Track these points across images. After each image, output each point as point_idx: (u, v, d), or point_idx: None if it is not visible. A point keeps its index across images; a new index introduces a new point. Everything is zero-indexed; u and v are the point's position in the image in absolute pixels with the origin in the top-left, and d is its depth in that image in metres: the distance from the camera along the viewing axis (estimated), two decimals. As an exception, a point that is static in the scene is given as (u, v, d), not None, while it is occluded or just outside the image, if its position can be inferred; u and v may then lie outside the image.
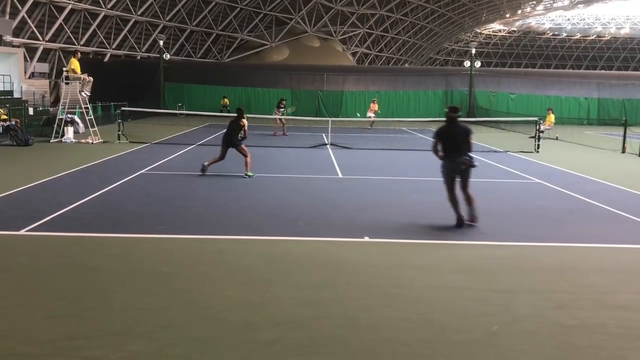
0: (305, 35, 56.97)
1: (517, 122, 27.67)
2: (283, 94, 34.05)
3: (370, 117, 27.52)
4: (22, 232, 7.11)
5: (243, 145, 12.26)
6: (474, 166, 7.89)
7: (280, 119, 23.02)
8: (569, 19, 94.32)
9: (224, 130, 12.62)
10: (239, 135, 12.23)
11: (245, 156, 12.11)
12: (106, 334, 4.25)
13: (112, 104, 31.04)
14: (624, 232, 7.93)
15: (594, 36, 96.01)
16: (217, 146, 18.07)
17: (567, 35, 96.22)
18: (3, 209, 8.41)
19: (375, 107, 27.87)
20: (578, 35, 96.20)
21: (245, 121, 12.28)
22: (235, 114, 12.55)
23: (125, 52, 45.37)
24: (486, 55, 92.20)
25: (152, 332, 4.31)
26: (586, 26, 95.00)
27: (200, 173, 12.01)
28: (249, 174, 12.02)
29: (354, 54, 64.97)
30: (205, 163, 12.17)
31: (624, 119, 21.72)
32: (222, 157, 12.26)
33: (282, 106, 23.30)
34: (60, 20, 36.58)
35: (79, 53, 19.98)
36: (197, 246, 6.74)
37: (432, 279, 5.75)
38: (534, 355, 4.10)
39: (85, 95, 18.80)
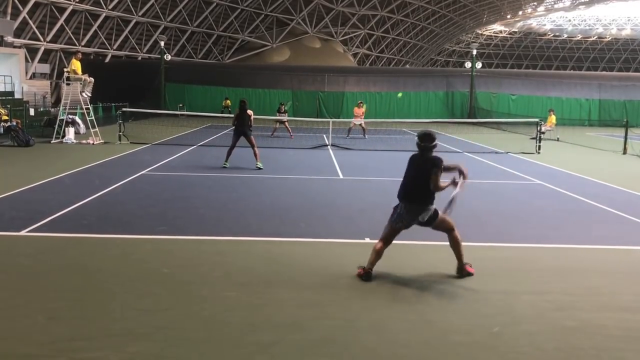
0: (306, 36, 57.00)
1: (518, 123, 27.66)
2: (284, 95, 34.07)
3: (358, 123, 23.04)
4: (23, 232, 7.11)
5: (252, 137, 13.47)
6: None
7: (282, 122, 22.68)
8: (570, 20, 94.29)
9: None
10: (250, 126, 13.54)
11: (253, 147, 13.34)
12: (106, 335, 4.25)
13: (113, 104, 31.06)
14: (625, 233, 7.91)
15: (595, 37, 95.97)
16: (217, 146, 18.16)
17: (568, 37, 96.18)
18: (3, 209, 8.41)
19: (361, 111, 23.27)
20: (579, 37, 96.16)
21: (250, 112, 13.60)
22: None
23: (126, 53, 45.42)
24: (487, 56, 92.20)
25: (152, 334, 4.30)
26: (587, 27, 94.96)
27: (222, 165, 13.41)
28: (259, 165, 13.20)
29: (354, 55, 64.98)
30: (224, 164, 13.40)
31: (625, 120, 21.71)
32: (233, 146, 13.53)
33: (283, 110, 23.11)
34: (61, 21, 36.64)
35: (80, 54, 20.01)
36: (197, 247, 6.73)
37: (432, 280, 5.74)
38: (535, 357, 4.10)
39: (86, 96, 18.82)
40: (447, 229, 5.84)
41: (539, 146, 18.59)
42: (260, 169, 13.05)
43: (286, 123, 22.73)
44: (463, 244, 6.46)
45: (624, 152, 18.73)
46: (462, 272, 5.82)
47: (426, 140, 5.74)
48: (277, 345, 4.17)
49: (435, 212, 5.74)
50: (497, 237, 7.60)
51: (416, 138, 5.85)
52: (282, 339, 4.28)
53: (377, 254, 5.74)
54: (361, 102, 24.78)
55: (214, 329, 4.42)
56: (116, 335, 4.25)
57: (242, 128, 13.38)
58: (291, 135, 22.38)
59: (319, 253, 6.61)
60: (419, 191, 5.71)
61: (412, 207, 5.71)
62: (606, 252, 6.96)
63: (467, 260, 5.93)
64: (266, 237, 7.19)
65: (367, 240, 7.16)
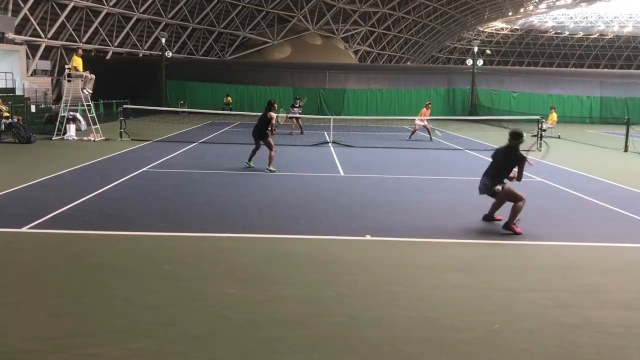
0: (307, 33, 56.92)
1: (519, 121, 27.62)
2: (285, 92, 34.02)
3: (422, 124, 21.66)
4: (24, 229, 7.11)
5: (270, 139, 12.53)
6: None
7: (296, 119, 22.38)
8: (571, 17, 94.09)
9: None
10: (268, 129, 12.52)
11: (270, 150, 12.42)
12: (108, 331, 4.26)
13: (114, 101, 31.05)
14: (626, 231, 7.91)
15: (597, 34, 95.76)
16: (218, 144, 18.18)
17: (569, 34, 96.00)
18: (5, 206, 8.42)
19: (428, 112, 21.62)
20: (581, 34, 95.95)
21: (272, 114, 12.41)
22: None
23: (127, 49, 45.39)
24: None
25: (153, 330, 4.31)
26: (589, 24, 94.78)
27: (244, 166, 12.85)
28: (271, 168, 12.36)
29: (356, 52, 64.90)
30: (247, 164, 12.79)
31: (626, 117, 21.68)
32: (257, 147, 12.74)
33: (298, 105, 22.77)
34: (62, 18, 36.61)
35: (81, 50, 19.98)
36: (198, 244, 6.74)
37: (433, 277, 5.75)
38: (535, 354, 4.10)
39: (87, 93, 18.81)
40: (514, 199, 7.59)
41: (540, 144, 18.56)
42: (271, 171, 12.20)
43: (299, 120, 22.48)
44: (464, 241, 6.48)
45: (625, 150, 18.71)
46: (508, 227, 7.46)
47: (515, 137, 7.74)
48: (278, 341, 4.18)
49: (504, 188, 7.71)
50: (498, 234, 7.60)
51: (508, 135, 7.87)
52: (284, 335, 4.28)
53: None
54: (429, 103, 23.05)
55: (215, 326, 4.42)
56: (117, 331, 4.26)
57: (257, 131, 12.51)
58: (291, 132, 22.27)
59: (320, 250, 6.61)
60: (502, 174, 7.77)
61: (490, 182, 7.75)
62: (607, 250, 6.96)
63: (471, 258, 5.93)
64: (267, 234, 7.19)
65: (368, 237, 7.16)
